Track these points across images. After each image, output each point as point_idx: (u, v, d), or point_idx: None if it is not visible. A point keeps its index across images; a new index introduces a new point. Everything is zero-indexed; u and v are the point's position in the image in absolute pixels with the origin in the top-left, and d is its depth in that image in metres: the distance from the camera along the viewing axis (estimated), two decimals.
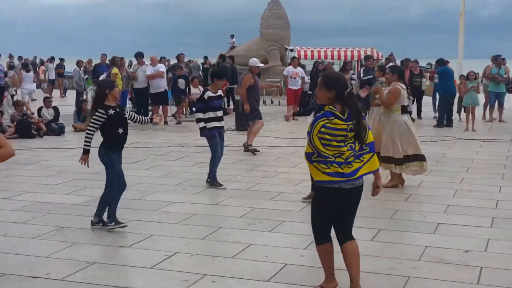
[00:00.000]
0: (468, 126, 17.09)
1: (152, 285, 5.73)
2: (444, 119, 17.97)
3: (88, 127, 7.26)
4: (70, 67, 29.79)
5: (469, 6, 27.78)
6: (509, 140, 15.09)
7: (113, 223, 7.39)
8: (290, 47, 29.74)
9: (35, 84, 24.31)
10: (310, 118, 8.72)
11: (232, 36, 34.58)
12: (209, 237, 7.16)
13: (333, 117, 5.04)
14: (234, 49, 31.53)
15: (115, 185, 7.37)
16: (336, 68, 26.28)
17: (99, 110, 7.21)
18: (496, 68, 19.19)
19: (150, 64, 18.78)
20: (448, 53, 33.24)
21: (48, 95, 22.23)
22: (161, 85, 18.41)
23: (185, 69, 21.28)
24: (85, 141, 7.27)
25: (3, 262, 6.25)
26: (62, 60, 32.44)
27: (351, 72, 20.24)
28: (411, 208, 8.58)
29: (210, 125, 9.67)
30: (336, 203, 5.16)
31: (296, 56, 26.01)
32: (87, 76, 23.24)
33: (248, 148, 12.96)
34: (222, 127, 9.93)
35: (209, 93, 9.70)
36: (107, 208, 7.46)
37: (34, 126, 15.73)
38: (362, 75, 16.80)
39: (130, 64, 26.74)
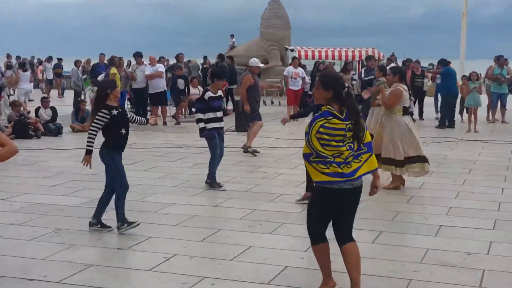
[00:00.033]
0: (470, 127, 16.99)
1: None
2: (446, 120, 17.88)
3: (91, 127, 7.20)
4: (68, 67, 29.68)
5: (469, 6, 27.63)
6: None
7: (126, 225, 7.30)
8: (291, 47, 29.68)
9: (32, 84, 24.22)
10: (308, 119, 8.62)
11: (232, 36, 34.46)
12: (208, 239, 7.11)
13: (331, 117, 5.02)
14: (234, 49, 31.43)
15: (117, 185, 7.30)
16: (337, 68, 26.23)
17: (102, 110, 7.15)
18: (498, 69, 19.09)
19: (149, 64, 18.71)
20: (449, 54, 33.16)
21: (45, 95, 22.18)
22: (160, 85, 18.33)
23: (185, 69, 21.19)
24: (87, 142, 7.20)
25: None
26: (60, 60, 32.22)
27: (352, 72, 20.20)
28: (412, 210, 8.53)
29: (210, 125, 9.62)
30: (336, 204, 5.14)
31: (297, 56, 25.92)
32: (85, 76, 23.15)
33: (247, 149, 12.88)
34: (222, 128, 9.88)
35: (209, 94, 9.66)
36: (115, 212, 7.36)
37: (32, 127, 15.66)
38: (363, 76, 16.71)
39: (129, 64, 26.68)
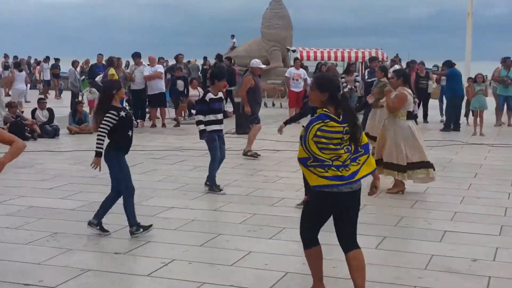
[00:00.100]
0: (476, 130, 16.82)
1: None
2: (451, 123, 17.68)
3: (100, 129, 7.08)
4: (66, 67, 29.46)
5: (474, 7, 27.50)
6: None
7: (141, 230, 7.24)
8: (292, 48, 29.58)
9: (29, 85, 24.06)
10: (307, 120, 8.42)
11: (232, 36, 34.42)
12: (207, 244, 7.04)
13: (328, 120, 4.98)
14: (235, 50, 31.37)
15: (123, 188, 7.25)
16: (340, 69, 26.10)
17: (111, 111, 7.07)
18: (505, 71, 18.84)
19: (148, 65, 18.56)
20: (453, 55, 33.06)
21: (42, 96, 22.03)
22: (159, 86, 18.19)
23: (184, 70, 21.06)
24: (98, 144, 7.11)
25: None
26: (57, 60, 31.81)
27: (355, 74, 20.13)
28: (416, 215, 8.44)
29: (210, 128, 9.55)
30: (335, 208, 5.10)
31: (299, 57, 25.80)
32: (83, 77, 22.99)
33: (247, 153, 12.76)
34: (222, 130, 9.80)
35: (210, 95, 9.57)
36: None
37: (28, 128, 15.54)
38: (366, 77, 16.59)
39: (127, 65, 26.55)
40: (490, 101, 18.51)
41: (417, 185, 9.80)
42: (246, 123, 13.43)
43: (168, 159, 12.72)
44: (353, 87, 18.96)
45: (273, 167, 11.80)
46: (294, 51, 29.15)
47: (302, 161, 5.06)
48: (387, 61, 26.69)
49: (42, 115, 16.25)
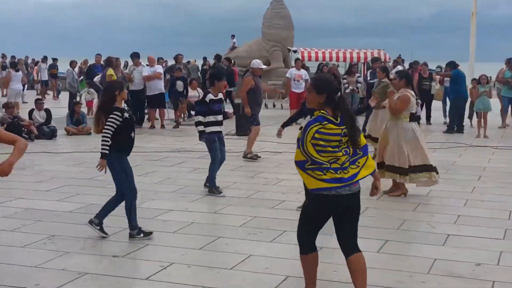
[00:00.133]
0: (480, 132, 16.70)
1: None
2: (454, 125, 17.55)
3: (105, 130, 7.03)
4: (64, 67, 29.33)
5: (478, 7, 27.33)
6: None
7: (141, 235, 7.21)
8: (294, 48, 29.51)
9: (26, 85, 23.96)
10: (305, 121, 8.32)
11: (233, 36, 34.34)
12: (207, 247, 7.00)
13: (326, 122, 4.94)
14: (235, 50, 31.30)
15: (127, 190, 7.22)
16: (342, 70, 26.05)
17: (115, 112, 7.03)
18: (509, 72, 18.69)
19: (147, 65, 18.46)
20: (454, 56, 32.97)
21: (40, 96, 21.95)
22: (159, 87, 18.10)
23: (184, 71, 20.98)
24: (103, 145, 7.06)
25: None
26: (55, 60, 31.62)
27: (357, 74, 20.06)
28: (419, 218, 8.39)
29: (209, 129, 9.48)
30: (334, 210, 5.07)
31: (300, 57, 25.73)
32: (82, 77, 22.87)
33: (247, 156, 12.67)
34: (222, 131, 9.74)
35: (210, 96, 9.51)
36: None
37: (25, 129, 15.44)
38: (369, 78, 16.51)
39: (126, 65, 26.42)
40: (494, 103, 18.37)
41: (420, 188, 9.75)
42: (247, 124, 13.34)
43: (167, 160, 12.66)
44: (355, 88, 18.89)
45: (274, 169, 11.73)
46: (295, 51, 29.08)
47: (299, 164, 5.03)
48: (389, 61, 26.61)
49: (40, 116, 16.15)
